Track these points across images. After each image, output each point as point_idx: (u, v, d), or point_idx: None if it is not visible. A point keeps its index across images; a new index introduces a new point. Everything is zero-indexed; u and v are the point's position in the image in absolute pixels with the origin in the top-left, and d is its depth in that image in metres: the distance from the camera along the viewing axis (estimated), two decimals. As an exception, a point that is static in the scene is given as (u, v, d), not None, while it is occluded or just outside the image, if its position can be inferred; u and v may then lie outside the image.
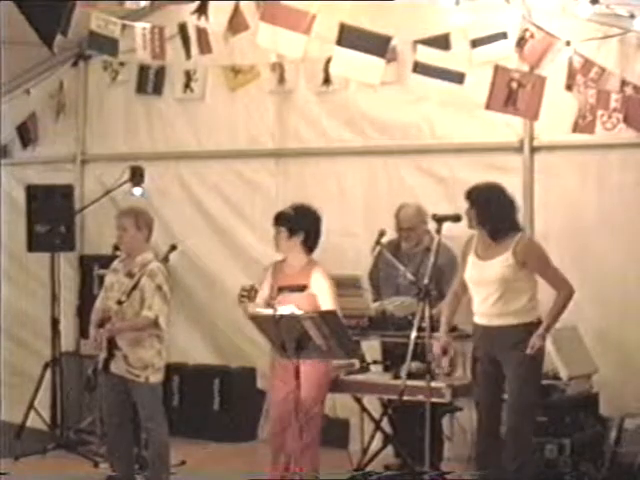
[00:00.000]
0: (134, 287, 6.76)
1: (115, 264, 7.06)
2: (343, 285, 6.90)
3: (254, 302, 6.69)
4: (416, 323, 6.40)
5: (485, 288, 6.36)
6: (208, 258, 9.21)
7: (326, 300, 6.65)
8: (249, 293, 6.74)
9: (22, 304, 9.85)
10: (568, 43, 7.12)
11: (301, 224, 6.80)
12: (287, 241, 6.78)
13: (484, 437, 6.47)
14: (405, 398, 6.38)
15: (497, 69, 7.09)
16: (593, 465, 6.96)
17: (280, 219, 6.82)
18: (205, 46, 8.27)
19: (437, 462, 7.16)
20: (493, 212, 6.38)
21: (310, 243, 6.83)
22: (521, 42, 7.20)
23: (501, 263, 6.31)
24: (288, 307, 6.14)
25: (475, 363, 6.51)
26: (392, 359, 7.18)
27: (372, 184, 8.57)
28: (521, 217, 6.70)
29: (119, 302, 6.75)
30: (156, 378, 6.85)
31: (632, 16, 7.02)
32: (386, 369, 7.24)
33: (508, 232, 6.36)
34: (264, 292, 6.76)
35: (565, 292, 6.33)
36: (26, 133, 9.92)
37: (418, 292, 6.54)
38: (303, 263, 6.80)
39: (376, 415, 7.50)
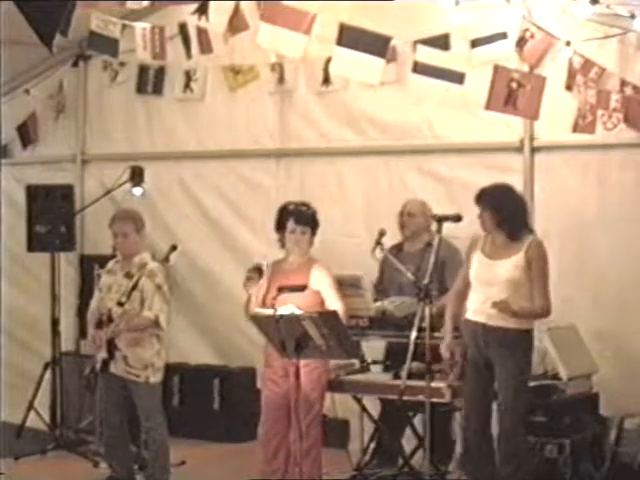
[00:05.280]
0: (134, 288, 6.77)
1: (111, 265, 7.07)
2: (343, 285, 6.90)
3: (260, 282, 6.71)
4: (416, 323, 6.40)
5: (492, 287, 6.32)
6: (208, 258, 9.22)
7: (330, 295, 6.66)
8: (254, 274, 6.73)
9: (22, 304, 9.85)
10: (568, 43, 7.12)
11: (317, 224, 6.84)
12: (309, 241, 6.80)
13: (477, 438, 6.45)
14: (405, 398, 6.39)
15: (497, 69, 7.09)
16: (593, 465, 6.96)
17: (305, 219, 6.78)
18: (205, 46, 8.28)
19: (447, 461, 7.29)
20: (509, 213, 6.35)
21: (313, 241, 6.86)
22: (521, 42, 7.19)
23: (513, 264, 6.28)
24: (288, 307, 6.14)
25: (465, 363, 6.49)
26: (394, 359, 7.17)
27: (372, 184, 8.58)
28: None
29: (119, 303, 6.76)
30: (156, 378, 6.86)
31: (632, 16, 7.02)
32: (386, 369, 7.24)
33: (524, 232, 6.36)
34: (263, 291, 6.75)
35: (544, 307, 6.30)
36: (26, 133, 9.92)
37: (418, 292, 6.53)
38: (303, 260, 6.80)
39: (376, 415, 7.49)
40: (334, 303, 6.64)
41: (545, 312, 6.34)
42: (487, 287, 6.36)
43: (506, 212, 6.34)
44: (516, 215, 6.38)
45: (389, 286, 7.54)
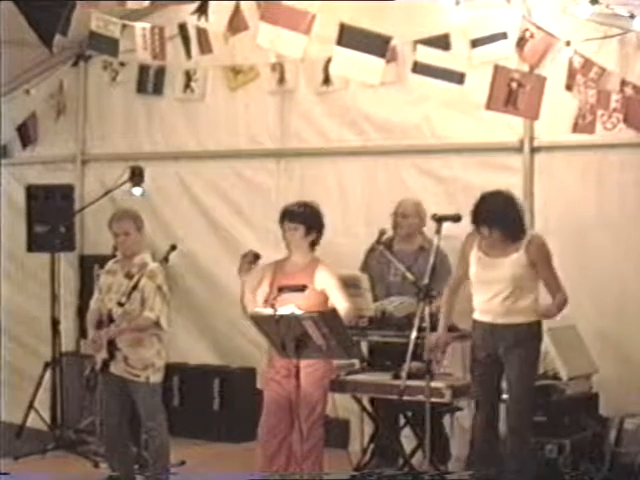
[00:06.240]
0: (134, 288, 6.76)
1: (110, 265, 7.05)
2: (343, 285, 6.89)
3: (254, 266, 6.70)
4: (416, 323, 6.40)
5: (494, 286, 6.33)
6: (208, 258, 9.22)
7: (336, 295, 6.64)
8: (249, 259, 6.72)
9: (22, 304, 9.85)
10: (568, 43, 7.12)
11: (315, 222, 6.79)
12: (302, 239, 6.75)
13: (485, 437, 6.46)
14: (405, 398, 6.39)
15: (497, 69, 7.09)
16: (593, 465, 6.96)
17: (296, 217, 6.73)
18: (205, 46, 8.29)
19: (446, 460, 7.32)
20: (513, 226, 6.33)
21: (317, 241, 6.82)
22: (521, 42, 7.19)
23: (514, 262, 6.29)
24: (288, 307, 6.14)
25: (474, 362, 6.49)
26: (381, 359, 7.19)
27: (372, 184, 8.58)
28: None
29: (119, 304, 6.75)
30: (156, 378, 6.86)
31: (632, 16, 7.01)
32: (373, 369, 7.24)
33: (524, 232, 6.37)
34: (264, 290, 6.74)
35: (561, 297, 6.32)
36: (26, 133, 9.92)
37: (418, 292, 6.53)
38: (307, 261, 6.78)
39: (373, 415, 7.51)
40: (341, 303, 6.60)
41: (567, 300, 6.35)
42: (490, 285, 6.36)
43: (511, 226, 6.32)
44: (517, 223, 6.37)
45: (376, 283, 7.52)
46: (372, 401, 7.43)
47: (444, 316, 6.58)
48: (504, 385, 6.45)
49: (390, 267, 7.44)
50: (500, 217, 6.31)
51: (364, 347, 7.50)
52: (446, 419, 7.31)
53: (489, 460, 6.44)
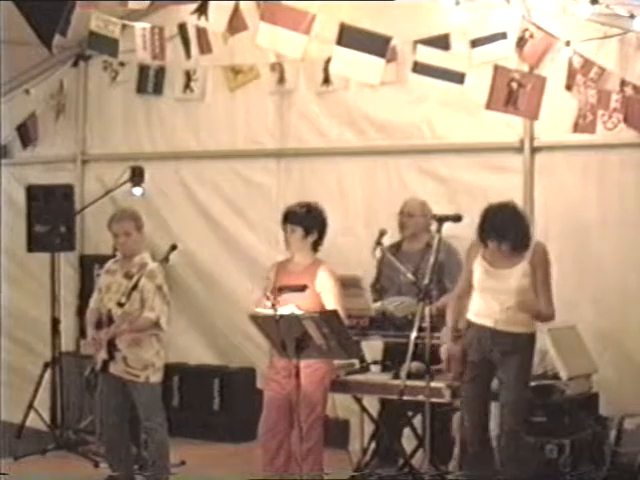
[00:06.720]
0: (134, 288, 6.76)
1: (110, 265, 7.06)
2: (343, 285, 6.88)
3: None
4: (416, 323, 6.39)
5: (498, 295, 6.33)
6: (208, 258, 9.22)
7: (330, 299, 6.62)
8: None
9: (22, 304, 9.85)
10: (568, 43, 7.13)
11: (314, 223, 6.75)
12: (301, 240, 6.73)
13: (477, 438, 6.46)
14: (405, 398, 6.39)
15: (497, 69, 7.09)
16: (593, 465, 6.96)
17: (294, 218, 6.71)
18: (205, 46, 8.29)
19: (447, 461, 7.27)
20: (524, 239, 6.35)
21: (319, 242, 6.80)
22: (521, 42, 7.20)
23: (519, 272, 6.31)
24: (288, 307, 6.14)
25: (467, 363, 6.48)
26: (392, 359, 7.18)
27: (372, 184, 8.58)
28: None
29: (119, 304, 6.75)
30: (156, 378, 6.86)
31: (632, 16, 7.01)
32: (385, 369, 7.24)
33: (530, 243, 6.38)
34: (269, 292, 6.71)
35: (549, 313, 6.35)
36: (26, 133, 9.92)
37: (418, 292, 6.53)
38: (309, 262, 6.76)
39: (376, 415, 7.49)
40: (330, 306, 6.58)
41: (552, 317, 6.41)
42: (494, 294, 6.35)
43: (519, 239, 6.33)
44: (525, 236, 6.37)
45: (388, 286, 7.53)
46: (382, 402, 7.42)
47: (451, 325, 6.54)
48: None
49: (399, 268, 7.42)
50: (508, 231, 6.31)
51: (380, 348, 7.50)
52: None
53: (481, 461, 6.45)
